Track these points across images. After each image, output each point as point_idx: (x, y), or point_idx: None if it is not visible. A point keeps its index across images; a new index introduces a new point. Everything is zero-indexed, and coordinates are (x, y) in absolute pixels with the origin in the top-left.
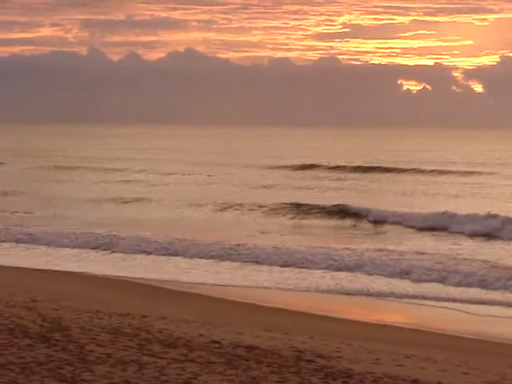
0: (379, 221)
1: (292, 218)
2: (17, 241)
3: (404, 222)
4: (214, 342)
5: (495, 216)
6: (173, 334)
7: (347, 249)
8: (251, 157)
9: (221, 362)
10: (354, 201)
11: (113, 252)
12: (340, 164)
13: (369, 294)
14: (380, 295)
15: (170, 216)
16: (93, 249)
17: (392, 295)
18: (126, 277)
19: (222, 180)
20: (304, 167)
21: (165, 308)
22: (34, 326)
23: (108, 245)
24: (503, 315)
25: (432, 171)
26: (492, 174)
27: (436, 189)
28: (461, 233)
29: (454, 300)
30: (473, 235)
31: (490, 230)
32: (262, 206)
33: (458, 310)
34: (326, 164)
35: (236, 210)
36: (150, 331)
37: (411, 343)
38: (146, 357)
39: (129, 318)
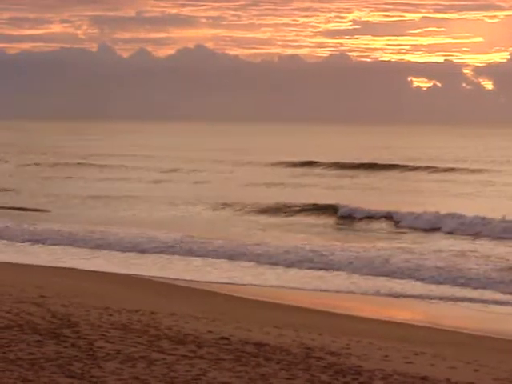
0: (368, 219)
1: (284, 217)
2: (26, 240)
3: (398, 221)
4: (223, 338)
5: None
6: (182, 331)
7: (363, 247)
8: (255, 154)
9: (230, 359)
10: (352, 200)
11: (120, 250)
12: (342, 161)
13: (378, 294)
14: (390, 294)
15: (168, 214)
16: (100, 247)
17: (401, 294)
18: (136, 274)
19: (220, 177)
20: (305, 164)
21: (174, 305)
22: (44, 322)
23: (115, 243)
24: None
25: (438, 169)
26: (500, 172)
27: (441, 187)
28: (450, 233)
29: (464, 298)
30: (462, 235)
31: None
32: (257, 205)
33: (468, 308)
34: (328, 161)
35: (231, 208)
36: (159, 328)
37: (421, 340)
38: (155, 353)
39: (138, 315)
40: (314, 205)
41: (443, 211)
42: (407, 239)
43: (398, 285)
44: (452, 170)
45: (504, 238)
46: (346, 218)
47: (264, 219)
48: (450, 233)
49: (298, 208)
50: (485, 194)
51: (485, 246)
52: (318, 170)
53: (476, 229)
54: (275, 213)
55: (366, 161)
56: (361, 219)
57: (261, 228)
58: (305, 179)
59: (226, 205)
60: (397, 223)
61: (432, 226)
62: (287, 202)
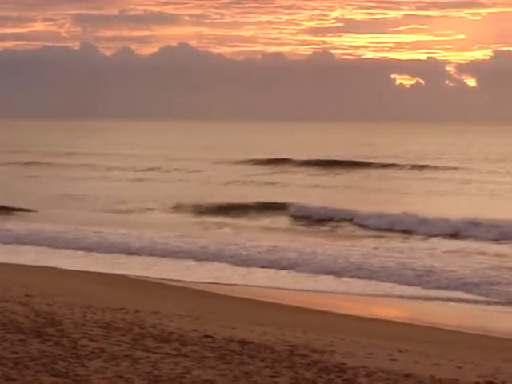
0: (328, 219)
1: (244, 216)
2: (13, 240)
3: (360, 221)
4: (207, 336)
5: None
6: (166, 329)
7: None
8: (236, 152)
9: (214, 357)
10: (319, 198)
11: (105, 250)
12: (320, 159)
13: (362, 293)
14: (373, 294)
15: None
16: (86, 247)
17: (384, 294)
18: (121, 274)
19: (198, 176)
20: (275, 162)
21: (158, 303)
22: (27, 321)
23: (100, 243)
24: (496, 310)
25: (416, 166)
26: (480, 169)
27: (417, 185)
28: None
29: (448, 296)
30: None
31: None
32: (225, 204)
33: (452, 306)
34: (305, 159)
35: (204, 209)
36: (143, 326)
37: (405, 338)
38: (139, 352)
39: (122, 313)
40: (276, 203)
41: (413, 210)
42: (371, 239)
43: (381, 285)
44: (431, 167)
45: (478, 238)
46: (304, 218)
47: (230, 219)
48: (416, 233)
49: (260, 207)
50: (461, 192)
51: (460, 245)
52: (295, 168)
53: (446, 229)
54: (240, 212)
55: (346, 158)
56: (321, 220)
57: (232, 227)
58: (279, 177)
59: (199, 205)
60: (359, 223)
61: (395, 226)
62: (255, 201)
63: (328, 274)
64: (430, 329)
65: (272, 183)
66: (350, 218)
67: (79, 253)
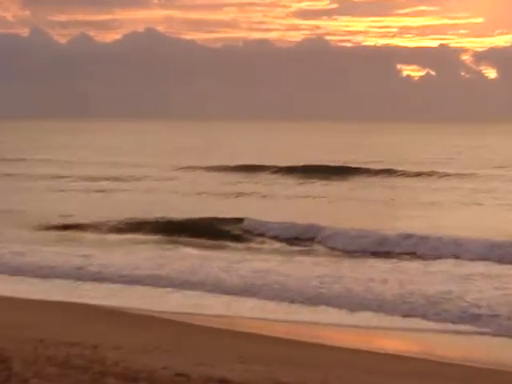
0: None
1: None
2: None
3: (325, 240)
4: (179, 374)
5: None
6: (131, 367)
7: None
8: (202, 156)
9: None
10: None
11: (64, 275)
12: (300, 164)
13: (359, 326)
14: (371, 326)
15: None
16: (37, 273)
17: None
18: (78, 303)
19: (157, 186)
20: (251, 168)
21: (119, 335)
22: None
23: (58, 266)
24: (485, 341)
25: (418, 173)
26: (494, 176)
27: (405, 195)
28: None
29: (453, 328)
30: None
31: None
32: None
33: (457, 337)
34: (280, 165)
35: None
36: (105, 363)
37: (408, 373)
38: None
39: (79, 349)
40: (234, 219)
41: (408, 227)
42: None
43: (375, 315)
44: (439, 173)
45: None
46: (269, 236)
47: (188, 237)
48: (414, 255)
49: (231, 223)
50: (474, 203)
51: (470, 269)
52: (272, 176)
53: (450, 250)
54: (202, 229)
55: (334, 163)
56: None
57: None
58: (253, 187)
59: (160, 221)
60: (325, 243)
61: (385, 246)
62: (219, 217)
63: (321, 302)
64: (418, 360)
65: (241, 194)
66: (318, 237)
67: (31, 279)
